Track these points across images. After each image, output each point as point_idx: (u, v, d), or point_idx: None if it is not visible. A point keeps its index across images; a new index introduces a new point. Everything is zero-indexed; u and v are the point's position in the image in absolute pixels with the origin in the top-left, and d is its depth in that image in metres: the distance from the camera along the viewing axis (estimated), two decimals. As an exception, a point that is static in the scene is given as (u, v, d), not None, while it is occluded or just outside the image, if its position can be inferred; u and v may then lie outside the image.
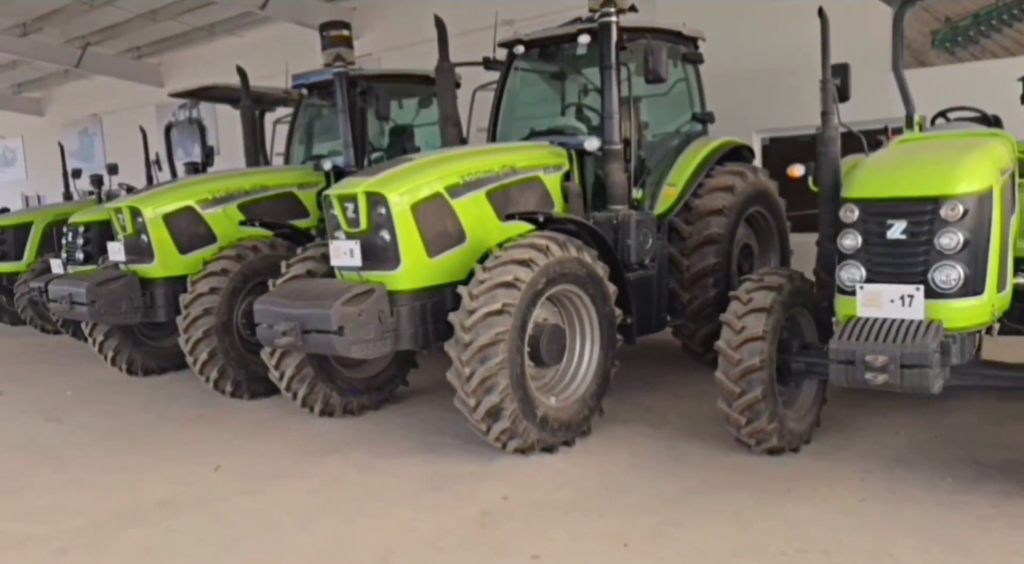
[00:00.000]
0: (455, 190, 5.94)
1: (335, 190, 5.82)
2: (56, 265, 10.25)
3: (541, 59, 7.64)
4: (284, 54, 14.50)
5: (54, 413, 7.56)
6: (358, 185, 5.68)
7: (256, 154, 9.73)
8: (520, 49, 7.51)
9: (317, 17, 14.14)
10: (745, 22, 9.93)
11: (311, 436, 6.34)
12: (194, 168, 11.25)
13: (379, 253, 5.69)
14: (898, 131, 7.85)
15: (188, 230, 7.87)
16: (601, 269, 5.86)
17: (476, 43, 9.56)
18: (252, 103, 9.72)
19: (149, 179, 12.40)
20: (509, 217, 6.00)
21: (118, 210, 7.88)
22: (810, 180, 6.07)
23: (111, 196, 13.06)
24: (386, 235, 5.65)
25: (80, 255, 10.16)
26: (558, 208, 6.68)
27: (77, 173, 14.02)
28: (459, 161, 6.12)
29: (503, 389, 5.18)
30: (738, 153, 7.89)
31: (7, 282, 12.46)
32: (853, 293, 4.55)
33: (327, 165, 8.68)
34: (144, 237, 7.74)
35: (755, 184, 7.64)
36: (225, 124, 17.53)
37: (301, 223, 8.41)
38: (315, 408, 6.63)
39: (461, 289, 5.36)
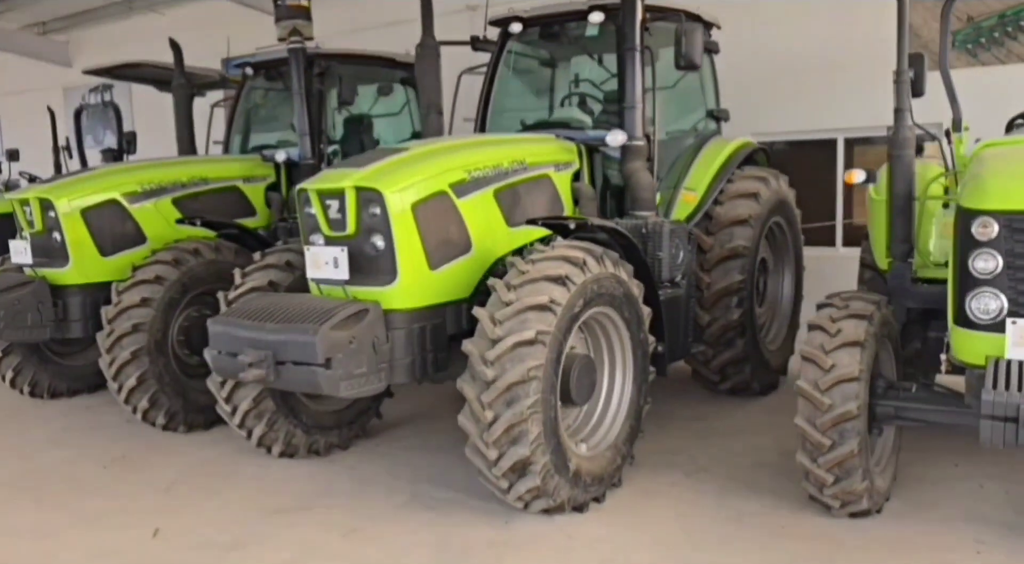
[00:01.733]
0: (461, 188, 4.86)
1: (315, 184, 4.65)
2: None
3: (543, 40, 6.60)
4: (211, 36, 13.07)
5: (-64, 450, 6.11)
6: (345, 178, 4.52)
7: (190, 142, 8.38)
8: (516, 27, 6.46)
9: (259, -4, 12.81)
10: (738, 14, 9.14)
11: (273, 486, 5.13)
12: (113, 156, 9.78)
13: (370, 263, 4.55)
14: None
15: (111, 228, 6.52)
16: (636, 288, 4.88)
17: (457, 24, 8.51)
18: (188, 83, 8.35)
19: (58, 167, 10.86)
20: (531, 222, 4.94)
21: (24, 202, 6.46)
22: (871, 188, 5.26)
23: (10, 186, 11.45)
24: (380, 241, 4.52)
25: (-27, 254, 8.59)
26: (568, 212, 5.67)
27: (-32, 159, 12.25)
28: (463, 153, 5.04)
29: (535, 439, 4.12)
30: (751, 157, 7.04)
31: None
32: (990, 328, 3.67)
33: (280, 156, 7.45)
34: (56, 235, 6.35)
35: (777, 192, 6.80)
36: (143, 109, 15.84)
37: (248, 222, 7.14)
38: (273, 449, 5.43)
39: (480, 312, 4.27)
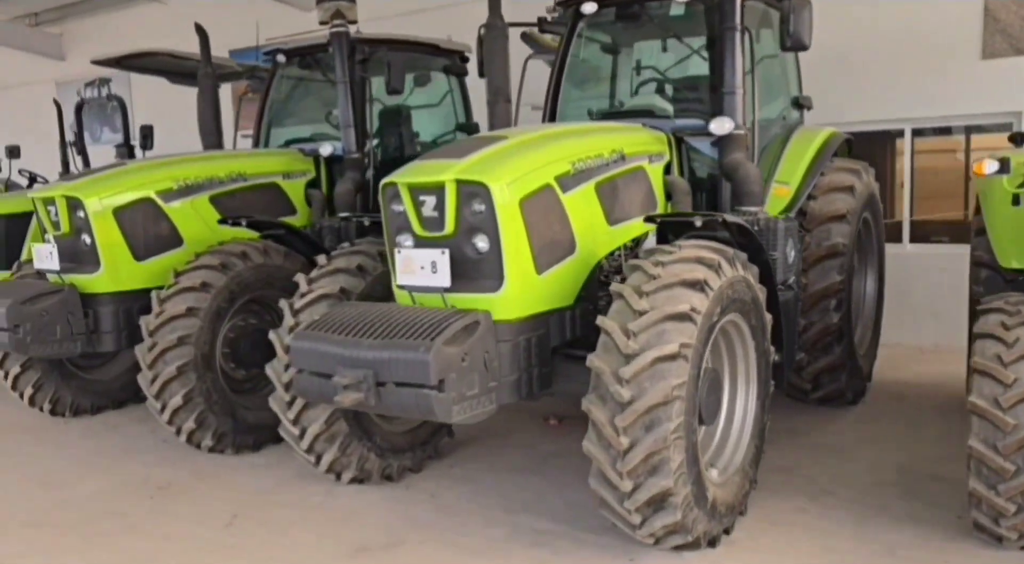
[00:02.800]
0: (566, 181, 4.30)
1: (406, 177, 4.07)
2: (-54, 271, 7.99)
3: (619, 21, 6.04)
4: (219, 25, 12.42)
5: (-45, 478, 5.48)
6: (445, 170, 3.95)
7: (218, 136, 7.75)
8: (590, 8, 5.89)
9: (268, -19, 12.20)
10: None
11: (349, 518, 4.56)
12: (127, 152, 9.12)
13: (473, 267, 3.98)
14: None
15: (145, 229, 5.91)
16: (761, 292, 4.35)
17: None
18: (213, 71, 7.72)
19: (65, 165, 10.17)
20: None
21: (48, 201, 5.83)
22: (1004, 180, 4.76)
23: (10, 186, 10.76)
24: (483, 242, 3.95)
25: (-22, 258, 7.95)
26: (660, 208, 5.13)
27: (-35, 156, 11.53)
28: (566, 142, 4.49)
29: (677, 468, 3.58)
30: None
31: None
32: None
33: (325, 150, 6.84)
34: (86, 238, 5.73)
35: (868, 185, 6.31)
36: (143, 104, 15.12)
37: (289, 222, 6.55)
38: (344, 475, 4.85)
39: (607, 323, 3.71)
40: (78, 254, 5.77)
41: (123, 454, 5.83)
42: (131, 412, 6.92)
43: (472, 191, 3.90)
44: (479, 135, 4.65)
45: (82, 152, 10.93)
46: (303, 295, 4.75)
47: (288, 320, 4.70)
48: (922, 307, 8.27)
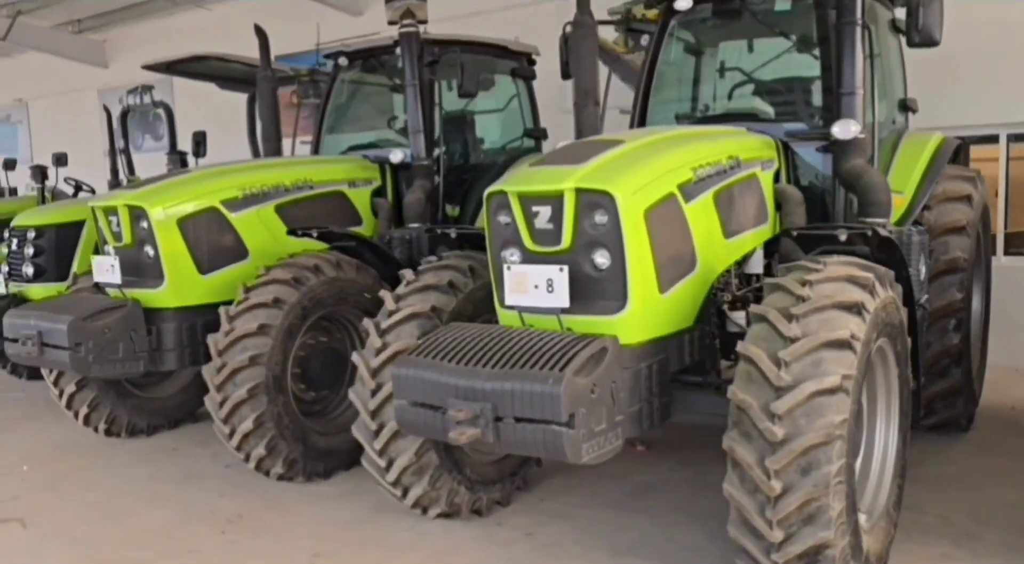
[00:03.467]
0: (688, 189, 3.88)
1: (518, 185, 3.67)
2: (-6, 282, 7.73)
3: (716, 17, 5.62)
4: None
5: (10, 507, 5.13)
6: (564, 177, 3.54)
7: (277, 142, 7.41)
8: (685, 4, 5.48)
9: (316, -17, 11.93)
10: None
11: (444, 558, 4.15)
12: (180, 159, 8.83)
13: (592, 286, 3.56)
14: None
15: (210, 240, 5.57)
16: (906, 315, 3.90)
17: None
18: (273, 74, 7.39)
19: (114, 173, 9.90)
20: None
21: (110, 210, 5.50)
22: None
23: (57, 194, 10.53)
24: (603, 257, 3.54)
25: (29, 269, 7.66)
26: (770, 219, 4.70)
27: (11, 164, 11.31)
28: (685, 148, 4.08)
29: (837, 517, 3.14)
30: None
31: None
32: None
33: (395, 156, 6.45)
34: (149, 249, 5.39)
35: (984, 195, 5.83)
36: (187, 111, 14.88)
37: (357, 232, 6.19)
38: (431, 510, 4.45)
39: (753, 350, 3.28)
40: (140, 267, 5.44)
41: (186, 480, 5.47)
42: (188, 433, 6.58)
43: (594, 201, 3.49)
44: (592, 139, 4.24)
45: (128, 161, 10.70)
46: (390, 314, 4.36)
47: (374, 341, 4.31)
48: (1020, 324, 7.74)
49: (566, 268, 3.51)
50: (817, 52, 5.17)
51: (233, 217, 5.68)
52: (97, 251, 7.85)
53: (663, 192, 3.68)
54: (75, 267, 7.84)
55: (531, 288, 3.60)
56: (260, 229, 5.81)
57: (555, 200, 3.54)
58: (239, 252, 5.70)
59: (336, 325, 5.63)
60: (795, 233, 3.97)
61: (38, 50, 15.85)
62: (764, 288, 3.62)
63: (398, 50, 6.79)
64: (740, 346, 3.35)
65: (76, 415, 6.19)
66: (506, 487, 4.78)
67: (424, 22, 6.51)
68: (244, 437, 4.98)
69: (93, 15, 15.54)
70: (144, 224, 5.34)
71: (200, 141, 8.76)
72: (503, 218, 3.74)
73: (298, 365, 5.34)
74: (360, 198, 6.59)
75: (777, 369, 3.19)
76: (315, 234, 5.55)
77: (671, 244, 3.72)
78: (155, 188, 5.52)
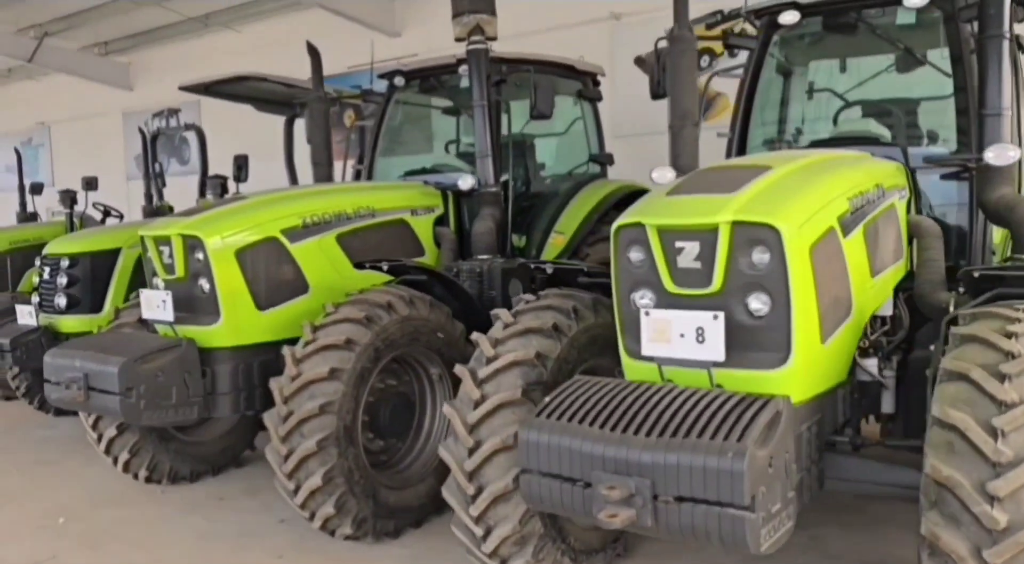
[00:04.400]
0: (845, 222, 3.41)
1: (654, 216, 3.15)
2: (26, 313, 7.23)
3: (826, 31, 5.15)
4: (293, 55, 11.83)
5: (48, 567, 4.61)
6: (718, 208, 3.04)
7: (328, 167, 6.95)
8: (790, 18, 5.01)
9: (355, 5, 11.61)
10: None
11: (551, 647, 3.61)
12: (221, 187, 8.37)
13: (747, 335, 3.04)
14: None
15: (270, 273, 5.09)
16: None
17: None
18: (325, 95, 6.94)
19: (149, 198, 9.46)
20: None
21: (161, 239, 5.02)
22: None
23: (85, 220, 10.09)
24: (763, 301, 3.03)
25: (62, 300, 7.18)
26: (904, 254, 4.18)
27: (38, 188, 10.88)
28: (834, 174, 3.59)
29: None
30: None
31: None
32: None
33: (466, 183, 5.96)
34: (204, 283, 4.90)
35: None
36: (215, 135, 14.48)
37: (427, 264, 5.70)
38: (528, 581, 3.90)
39: (951, 413, 2.75)
40: (193, 302, 4.95)
41: (240, 538, 4.94)
42: (233, 480, 6.05)
43: (755, 236, 3.01)
44: (733, 162, 3.78)
45: (158, 186, 10.31)
46: (489, 361, 3.84)
47: (471, 392, 3.78)
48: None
49: (721, 315, 3.03)
50: (948, 69, 4.67)
51: (293, 248, 5.19)
52: (139, 284, 7.41)
53: (826, 225, 3.23)
54: (109, 298, 7.38)
55: (676, 337, 3.10)
56: (321, 261, 5.33)
57: (706, 234, 3.06)
58: (299, 286, 5.21)
59: (405, 367, 5.13)
60: (977, 274, 3.44)
61: (63, 72, 15.57)
62: (950, 338, 3.09)
63: (462, 69, 6.38)
64: (937, 409, 2.82)
65: (115, 461, 5.67)
66: (608, 555, 4.22)
67: (493, 39, 6.06)
68: (311, 494, 4.44)
69: (120, 37, 15.25)
70: (200, 255, 4.86)
71: (242, 165, 8.34)
72: (635, 254, 3.25)
73: (366, 412, 4.81)
74: (422, 227, 6.11)
75: (993, 441, 2.66)
76: (385, 266, 5.06)
77: (832, 285, 3.25)
78: (210, 216, 5.03)
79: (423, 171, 6.82)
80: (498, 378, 3.78)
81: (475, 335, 4.04)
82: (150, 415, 4.55)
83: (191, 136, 13.07)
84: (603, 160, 7.33)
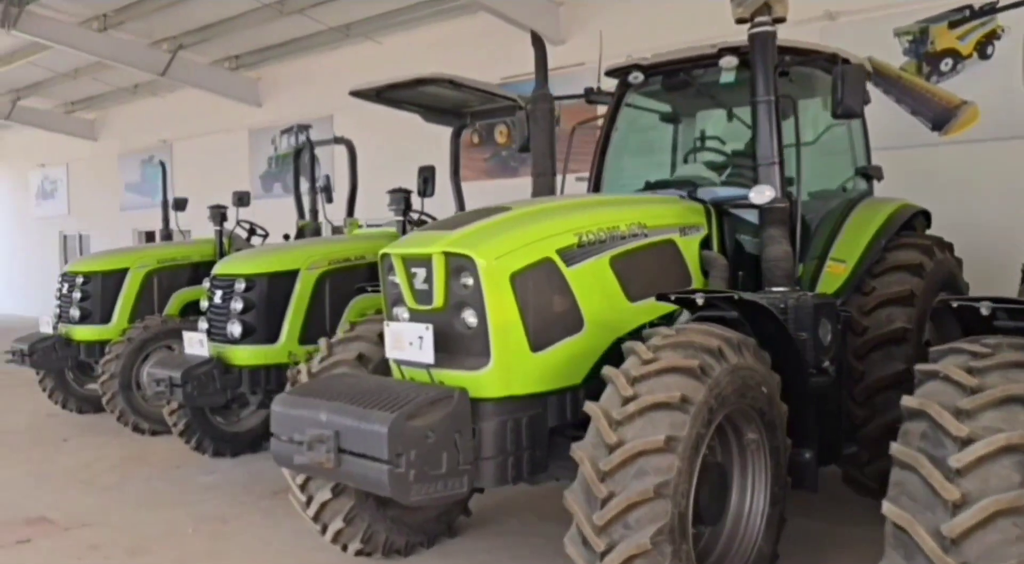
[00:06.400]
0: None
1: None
2: (196, 342, 6.31)
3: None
4: (439, 64, 10.93)
5: None
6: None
7: (552, 176, 5.84)
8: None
9: (520, 9, 10.74)
10: None
11: None
12: (405, 201, 7.38)
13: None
14: None
15: (544, 305, 3.97)
16: None
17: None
18: (550, 94, 5.85)
19: (314, 214, 8.62)
20: None
21: (415, 259, 3.95)
22: None
23: (234, 239, 9.32)
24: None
25: (236, 328, 6.28)
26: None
27: (181, 204, 10.17)
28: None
29: None
30: None
31: (85, 353, 8.52)
32: None
33: (761, 196, 4.69)
34: (470, 315, 3.78)
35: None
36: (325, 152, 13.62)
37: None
38: None
39: (905, 451, 1.60)
40: (453, 340, 3.85)
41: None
42: (449, 553, 4.99)
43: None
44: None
45: (313, 199, 9.54)
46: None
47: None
48: None
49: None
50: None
51: (569, 272, 4.08)
52: (316, 313, 6.51)
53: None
54: (286, 328, 6.47)
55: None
56: (595, 289, 4.20)
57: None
58: (573, 321, 4.08)
59: (717, 431, 3.94)
60: (955, 304, 3.43)
61: (194, 86, 15.08)
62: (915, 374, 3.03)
63: (723, 61, 5.30)
64: (893, 448, 2.74)
65: (324, 529, 4.62)
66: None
67: (782, 20, 4.92)
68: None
69: (251, 50, 14.71)
70: (468, 280, 3.78)
71: (428, 178, 7.37)
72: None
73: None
74: (690, 249, 4.93)
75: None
76: (672, 298, 3.99)
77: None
78: (476, 229, 3.95)
79: (665, 184, 5.69)
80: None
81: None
82: (418, 489, 3.41)
83: (320, 153, 12.32)
84: (872, 174, 6.08)
